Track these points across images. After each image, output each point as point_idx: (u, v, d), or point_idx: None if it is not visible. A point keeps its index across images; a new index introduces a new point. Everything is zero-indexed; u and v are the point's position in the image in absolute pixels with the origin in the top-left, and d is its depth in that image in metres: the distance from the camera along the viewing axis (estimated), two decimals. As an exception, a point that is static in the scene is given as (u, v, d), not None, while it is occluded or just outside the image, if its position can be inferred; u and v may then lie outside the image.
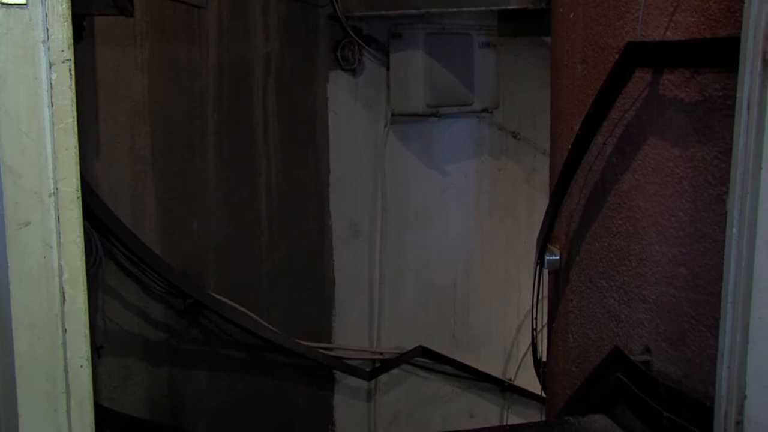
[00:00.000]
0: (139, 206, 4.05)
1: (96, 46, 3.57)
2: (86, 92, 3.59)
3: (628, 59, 2.28)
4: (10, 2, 1.17)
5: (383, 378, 5.97)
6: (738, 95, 1.74)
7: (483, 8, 5.11)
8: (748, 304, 1.75)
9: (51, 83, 1.20)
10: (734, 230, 1.76)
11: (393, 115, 5.67)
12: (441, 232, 6.22)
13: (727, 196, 1.80)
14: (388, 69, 5.63)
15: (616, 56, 2.35)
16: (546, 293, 3.14)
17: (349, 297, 5.73)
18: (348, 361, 5.60)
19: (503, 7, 4.99)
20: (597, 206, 2.55)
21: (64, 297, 1.27)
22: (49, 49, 1.19)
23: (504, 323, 6.60)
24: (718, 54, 2.04)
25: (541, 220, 2.99)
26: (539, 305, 3.06)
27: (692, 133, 2.13)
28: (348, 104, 5.55)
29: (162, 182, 4.18)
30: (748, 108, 1.72)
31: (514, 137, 6.33)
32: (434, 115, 5.58)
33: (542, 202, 3.21)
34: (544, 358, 3.27)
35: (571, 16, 2.79)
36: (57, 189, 1.24)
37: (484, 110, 5.91)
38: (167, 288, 4.23)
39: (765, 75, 1.68)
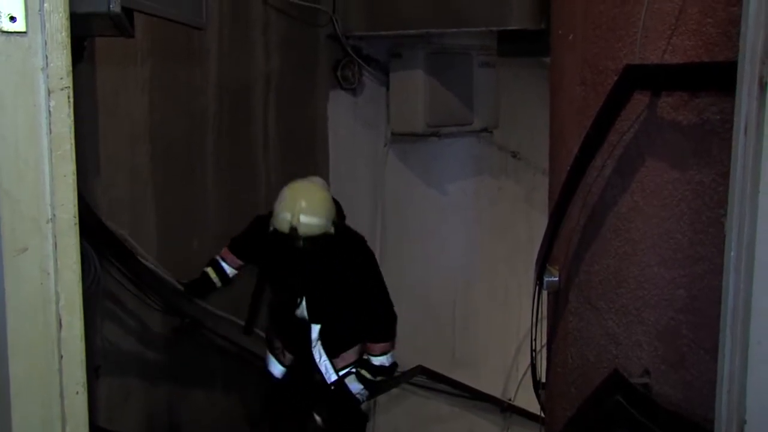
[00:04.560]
0: (139, 225, 4.05)
1: (96, 66, 3.58)
2: (86, 112, 3.60)
3: (627, 82, 2.28)
4: (9, 30, 1.18)
5: (382, 398, 5.94)
6: (735, 119, 1.74)
7: (483, 28, 5.13)
8: (747, 327, 1.74)
9: (50, 110, 1.20)
10: (732, 253, 1.76)
11: (393, 134, 5.68)
12: (440, 250, 6.21)
13: (726, 218, 1.80)
14: (388, 88, 5.65)
15: (615, 78, 2.36)
16: (545, 313, 3.14)
17: (348, 315, 5.71)
18: (347, 381, 5.57)
19: (503, 28, 5.01)
20: (596, 228, 2.55)
21: (60, 323, 1.27)
22: (48, 76, 1.20)
23: (504, 342, 6.59)
24: (716, 77, 2.05)
25: (541, 240, 2.99)
26: (539, 325, 3.05)
27: (690, 155, 2.14)
28: (348, 123, 5.56)
29: (162, 201, 4.18)
30: (746, 132, 1.72)
31: (514, 156, 6.35)
32: (434, 134, 5.59)
33: (542, 221, 3.21)
34: (544, 379, 3.25)
35: (570, 37, 2.80)
36: (55, 215, 1.24)
37: (484, 130, 5.93)
38: (165, 306, 4.23)
39: (762, 99, 1.68)
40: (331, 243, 3.76)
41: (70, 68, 1.21)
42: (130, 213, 3.98)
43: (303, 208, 3.62)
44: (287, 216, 3.62)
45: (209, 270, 4.14)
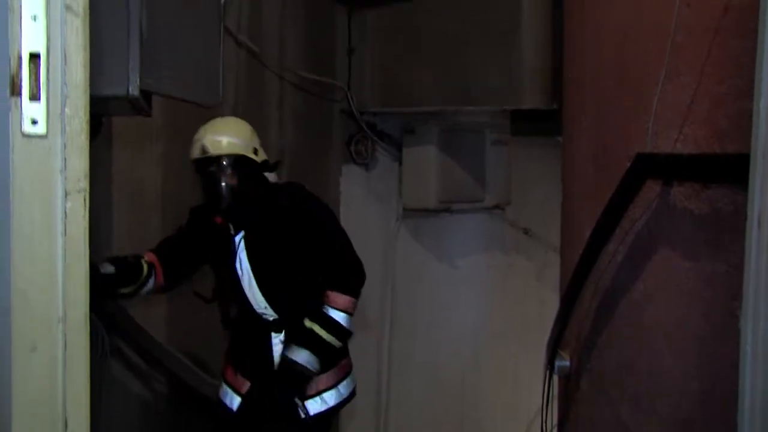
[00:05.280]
0: (149, 298, 4.03)
1: (112, 141, 3.63)
2: (100, 185, 3.63)
3: (638, 170, 2.29)
4: (30, 133, 1.20)
5: (390, 477, 5.84)
6: (748, 213, 1.73)
7: (496, 108, 5.19)
8: (766, 425, 1.71)
9: (65, 212, 1.22)
10: (748, 348, 1.73)
11: (405, 209, 5.70)
12: (450, 326, 6.16)
13: (740, 311, 1.78)
14: (400, 164, 5.69)
15: (627, 163, 2.36)
16: (556, 393, 3.09)
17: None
18: (354, 458, 5.49)
19: (515, 107, 5.07)
20: (608, 313, 2.52)
21: (66, 425, 1.26)
22: (65, 178, 1.21)
23: (514, 421, 6.47)
24: (728, 169, 2.05)
25: (552, 320, 2.95)
26: (550, 407, 3.00)
27: (703, 245, 2.13)
28: (360, 198, 5.59)
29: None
30: (759, 225, 1.71)
31: (525, 233, 6.34)
32: (446, 210, 5.60)
33: (553, 299, 3.18)
34: (555, 464, 3.18)
35: (582, 121, 2.82)
36: (66, 314, 1.25)
37: (496, 206, 5.94)
38: (172, 381, 4.19)
39: (775, 194, 1.67)
40: (257, 179, 3.32)
41: (88, 171, 1.23)
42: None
43: (213, 129, 3.31)
44: (197, 138, 3.28)
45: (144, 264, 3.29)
